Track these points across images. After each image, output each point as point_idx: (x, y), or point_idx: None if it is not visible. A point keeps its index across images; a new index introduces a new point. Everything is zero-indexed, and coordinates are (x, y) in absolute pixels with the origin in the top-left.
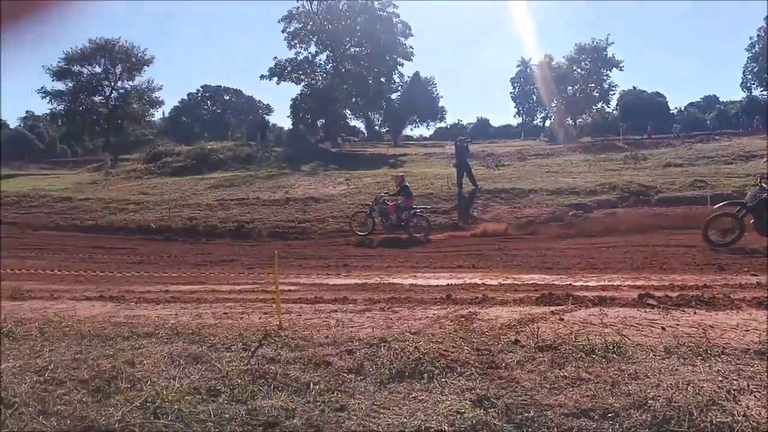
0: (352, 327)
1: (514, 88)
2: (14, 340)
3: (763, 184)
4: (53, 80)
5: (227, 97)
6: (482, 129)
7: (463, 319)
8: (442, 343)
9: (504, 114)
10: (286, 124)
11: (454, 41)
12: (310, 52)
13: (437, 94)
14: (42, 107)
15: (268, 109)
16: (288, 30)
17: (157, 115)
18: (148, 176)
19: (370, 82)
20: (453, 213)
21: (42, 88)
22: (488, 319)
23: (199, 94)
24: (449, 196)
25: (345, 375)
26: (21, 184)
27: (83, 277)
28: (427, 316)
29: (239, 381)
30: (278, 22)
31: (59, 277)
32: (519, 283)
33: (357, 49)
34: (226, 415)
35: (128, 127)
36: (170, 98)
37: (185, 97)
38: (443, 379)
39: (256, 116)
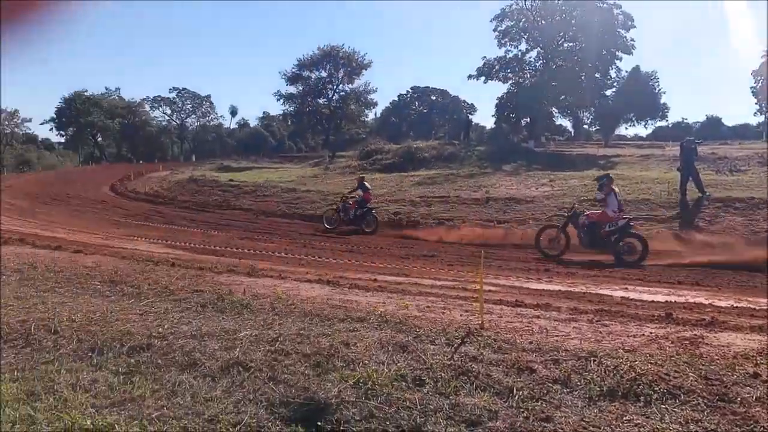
0: (557, 336)
1: (757, 81)
2: (251, 311)
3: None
4: (287, 84)
5: (434, 98)
6: (713, 128)
7: (686, 342)
8: (662, 365)
9: (740, 111)
10: (489, 123)
11: (681, 30)
12: (520, 50)
13: (659, 89)
14: (276, 108)
15: (472, 109)
16: (499, 29)
17: (371, 115)
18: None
19: (582, 78)
20: (673, 222)
21: (277, 91)
22: (718, 346)
23: (408, 95)
24: (670, 204)
25: (550, 385)
26: (257, 176)
27: (304, 261)
28: (643, 334)
29: (443, 374)
30: (490, 21)
31: (285, 259)
32: (757, 307)
33: (570, 44)
34: (431, 406)
35: (345, 127)
36: (382, 100)
37: (396, 98)
38: (663, 406)
39: (460, 115)
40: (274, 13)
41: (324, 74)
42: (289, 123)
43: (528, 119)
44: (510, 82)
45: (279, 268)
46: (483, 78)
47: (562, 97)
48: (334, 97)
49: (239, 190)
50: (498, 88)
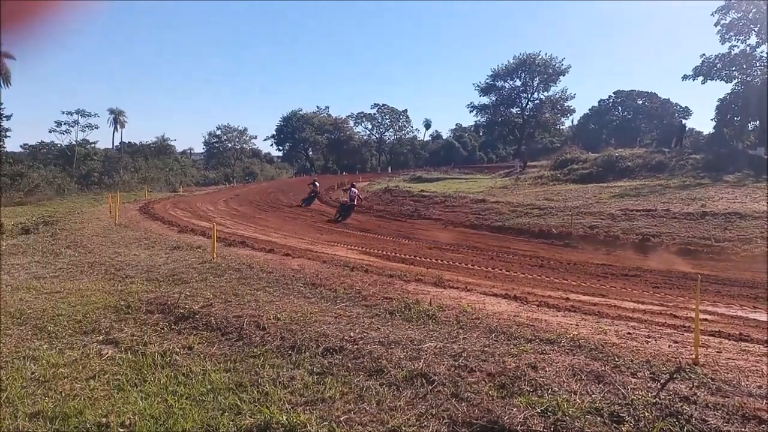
0: None
1: None
2: (437, 322)
3: None
4: (480, 95)
5: (640, 102)
6: None
7: None
8: None
9: None
10: (706, 128)
11: None
12: (748, 45)
13: None
14: (469, 120)
15: (686, 112)
16: (722, 22)
17: (567, 123)
18: (553, 182)
19: None
20: None
21: (470, 103)
22: None
23: (611, 100)
24: None
25: None
26: (447, 186)
27: (491, 274)
28: None
29: (646, 413)
30: (711, 14)
31: (472, 271)
32: None
33: None
34: None
35: (538, 136)
36: (580, 106)
37: (596, 104)
38: None
39: (671, 120)
40: (467, 27)
41: (518, 83)
42: (481, 134)
43: (757, 123)
44: (735, 81)
45: (465, 280)
46: (701, 78)
47: None
48: (527, 106)
49: (429, 201)
50: (719, 89)
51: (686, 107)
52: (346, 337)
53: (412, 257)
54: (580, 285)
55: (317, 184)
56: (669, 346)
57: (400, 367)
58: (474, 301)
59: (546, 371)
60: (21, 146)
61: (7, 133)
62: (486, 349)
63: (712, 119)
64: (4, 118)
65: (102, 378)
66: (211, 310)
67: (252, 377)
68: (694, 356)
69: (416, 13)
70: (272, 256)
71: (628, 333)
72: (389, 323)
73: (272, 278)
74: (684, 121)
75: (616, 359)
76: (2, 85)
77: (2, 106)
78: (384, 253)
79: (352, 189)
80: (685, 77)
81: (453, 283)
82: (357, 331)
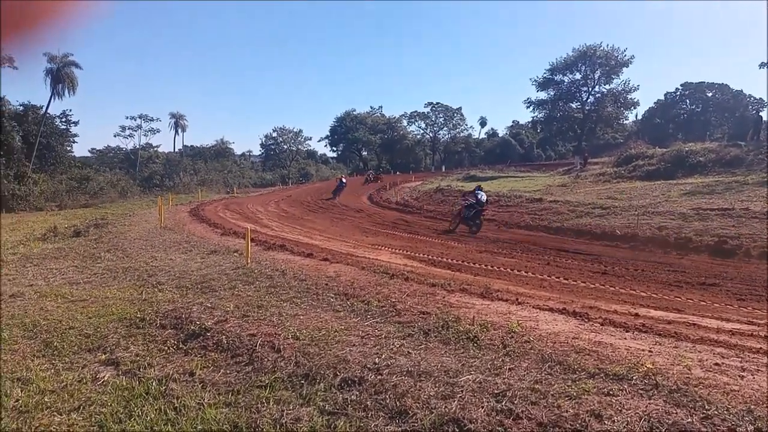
0: None
1: None
2: (479, 347)
3: None
4: (537, 90)
5: (710, 94)
6: None
7: None
8: None
9: None
10: None
11: None
12: None
13: None
14: (526, 116)
15: (761, 104)
16: None
17: (631, 117)
18: (617, 180)
19: None
20: None
21: (527, 99)
22: None
23: (678, 93)
24: None
25: None
26: (502, 185)
27: (547, 283)
28: None
29: None
30: None
31: (525, 279)
32: None
33: None
34: None
35: (600, 131)
36: (645, 99)
37: (662, 97)
38: None
39: (744, 113)
40: (523, 22)
41: (578, 76)
42: (538, 130)
43: None
44: None
45: (516, 290)
46: None
47: None
48: (588, 100)
49: None
50: None
51: (761, 99)
52: (369, 365)
53: (460, 262)
54: (651, 296)
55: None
56: None
57: (429, 409)
58: (525, 318)
59: (614, 422)
60: (89, 150)
61: (75, 139)
62: (537, 386)
63: None
64: (72, 124)
65: (86, 410)
66: (224, 327)
67: (251, 416)
68: None
69: (470, 9)
70: (309, 261)
71: (716, 364)
72: (422, 346)
73: (303, 287)
74: (760, 114)
75: (706, 405)
76: (69, 92)
77: (71, 113)
78: (429, 257)
79: (342, 180)
80: (762, 65)
81: (502, 294)
82: (383, 356)
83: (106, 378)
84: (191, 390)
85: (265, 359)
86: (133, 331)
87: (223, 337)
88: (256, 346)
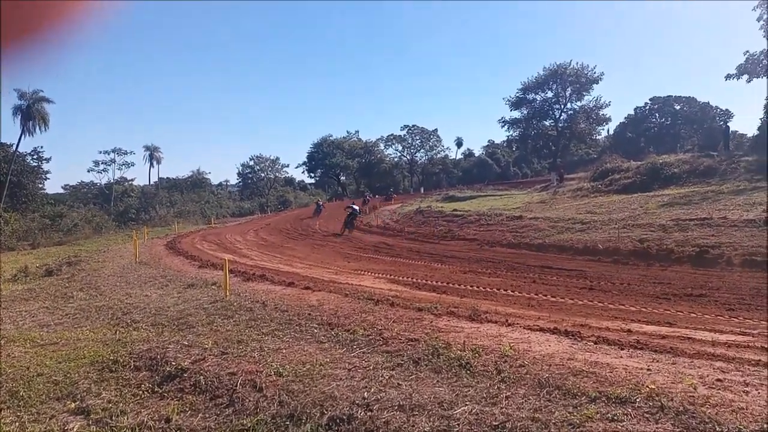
0: None
1: None
2: (472, 374)
3: None
4: (511, 110)
5: (678, 107)
6: None
7: None
8: None
9: None
10: (750, 130)
11: None
12: None
13: None
14: (501, 135)
15: (727, 115)
16: (765, 17)
17: (603, 132)
18: (594, 194)
19: None
20: None
21: (501, 118)
22: None
23: (647, 107)
24: None
25: None
26: (481, 204)
27: (535, 301)
28: None
29: None
30: (753, 9)
31: (512, 299)
32: None
33: None
34: None
35: (574, 147)
36: (616, 115)
37: (631, 112)
38: None
39: (712, 124)
40: (494, 42)
41: (550, 94)
42: (514, 148)
43: None
44: None
45: (504, 311)
46: (746, 77)
47: None
48: (561, 117)
49: (463, 220)
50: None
51: (727, 110)
52: (357, 400)
53: (445, 284)
54: (641, 311)
55: (355, 206)
56: None
57: None
58: (517, 340)
59: None
60: (62, 187)
61: (47, 176)
62: (537, 415)
63: (761, 119)
64: (43, 161)
65: None
66: (202, 366)
67: None
68: None
69: (442, 30)
70: (291, 291)
71: (718, 380)
72: (413, 376)
73: (285, 318)
74: (727, 124)
75: (717, 427)
76: (40, 128)
77: (42, 150)
78: (414, 280)
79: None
80: (728, 77)
81: (491, 316)
82: (372, 389)
83: (75, 429)
84: None
85: (247, 400)
86: (105, 375)
87: (201, 377)
88: (236, 386)
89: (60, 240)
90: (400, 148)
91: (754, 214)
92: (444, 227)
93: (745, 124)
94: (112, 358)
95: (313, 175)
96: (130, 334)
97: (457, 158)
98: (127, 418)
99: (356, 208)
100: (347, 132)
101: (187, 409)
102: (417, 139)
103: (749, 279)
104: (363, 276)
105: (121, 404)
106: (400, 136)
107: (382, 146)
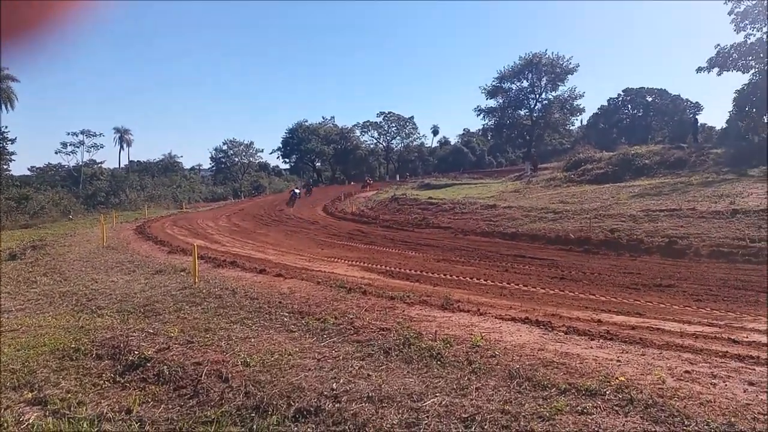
0: None
1: None
2: (443, 365)
3: None
4: (486, 99)
5: (649, 99)
6: None
7: None
8: None
9: None
10: (718, 123)
11: None
12: (766, 32)
13: None
14: (477, 124)
15: (697, 108)
16: (737, 10)
17: (577, 123)
18: (567, 184)
19: None
20: None
21: (477, 106)
22: None
23: (620, 99)
24: None
25: None
26: (456, 192)
27: (507, 291)
28: None
29: None
30: (724, 3)
31: (484, 288)
32: None
33: None
34: None
35: (548, 137)
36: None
37: (605, 103)
38: None
39: (682, 117)
40: (472, 30)
41: (525, 84)
42: (489, 137)
43: None
44: (753, 71)
45: (477, 300)
46: (717, 70)
47: None
48: (536, 107)
49: (438, 208)
50: (734, 82)
51: (697, 103)
52: (326, 391)
53: (419, 272)
54: (610, 300)
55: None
56: (744, 390)
57: None
58: (488, 330)
59: None
60: (29, 169)
61: (12, 157)
62: (507, 407)
63: (729, 111)
64: (8, 142)
65: None
66: (167, 355)
67: None
68: None
69: (419, 17)
70: (262, 278)
71: (686, 372)
72: (383, 367)
73: (255, 306)
74: (697, 117)
75: (686, 421)
76: (6, 108)
77: (7, 130)
78: (387, 268)
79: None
80: (699, 69)
81: (463, 305)
82: (342, 380)
83: (31, 420)
84: (127, 430)
85: (212, 390)
86: (65, 364)
87: (165, 367)
88: (201, 376)
89: (26, 223)
90: (376, 134)
91: (722, 206)
92: (419, 215)
93: (715, 117)
94: (73, 346)
95: (287, 160)
96: (94, 321)
97: (433, 146)
98: (86, 409)
99: (297, 191)
100: (323, 118)
101: (150, 400)
102: (393, 126)
103: (716, 269)
104: (336, 263)
105: (81, 394)
106: (376, 122)
107: (358, 133)
